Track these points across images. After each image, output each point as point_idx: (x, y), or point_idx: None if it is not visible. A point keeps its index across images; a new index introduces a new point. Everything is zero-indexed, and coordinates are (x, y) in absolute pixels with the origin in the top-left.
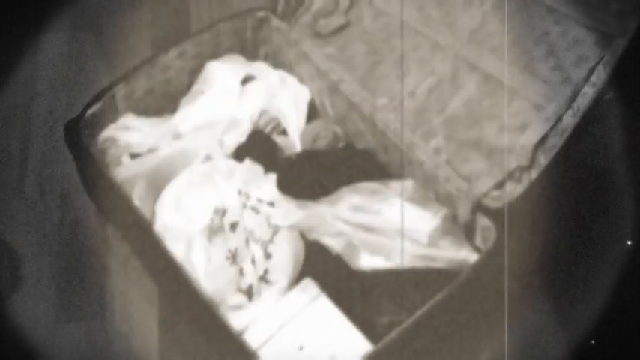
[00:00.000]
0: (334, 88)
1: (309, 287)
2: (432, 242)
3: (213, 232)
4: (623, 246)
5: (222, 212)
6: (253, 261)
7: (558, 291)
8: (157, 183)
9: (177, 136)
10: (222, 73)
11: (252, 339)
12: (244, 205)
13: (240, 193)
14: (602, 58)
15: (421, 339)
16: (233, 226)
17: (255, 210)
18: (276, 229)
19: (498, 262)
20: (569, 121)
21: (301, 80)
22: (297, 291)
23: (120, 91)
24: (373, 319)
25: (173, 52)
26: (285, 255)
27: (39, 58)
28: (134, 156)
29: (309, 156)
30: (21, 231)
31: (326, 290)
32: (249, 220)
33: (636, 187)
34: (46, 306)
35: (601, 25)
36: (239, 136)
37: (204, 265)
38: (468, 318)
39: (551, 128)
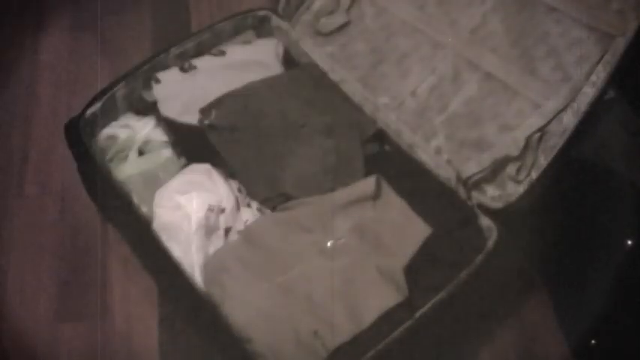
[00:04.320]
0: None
1: None
2: None
3: (209, 230)
4: (623, 246)
5: (218, 210)
6: None
7: (558, 291)
8: (157, 182)
9: None
10: None
11: None
12: (248, 205)
13: (241, 190)
14: (602, 58)
15: (422, 339)
16: (227, 231)
17: (262, 211)
18: None
19: (499, 262)
20: (570, 120)
21: None
22: None
23: (120, 91)
24: None
25: (173, 52)
26: None
27: (39, 58)
28: (139, 154)
29: None
30: (21, 231)
31: None
32: (251, 219)
33: (636, 187)
34: (46, 306)
35: (601, 25)
36: None
37: (202, 263)
38: (469, 318)
39: (547, 124)
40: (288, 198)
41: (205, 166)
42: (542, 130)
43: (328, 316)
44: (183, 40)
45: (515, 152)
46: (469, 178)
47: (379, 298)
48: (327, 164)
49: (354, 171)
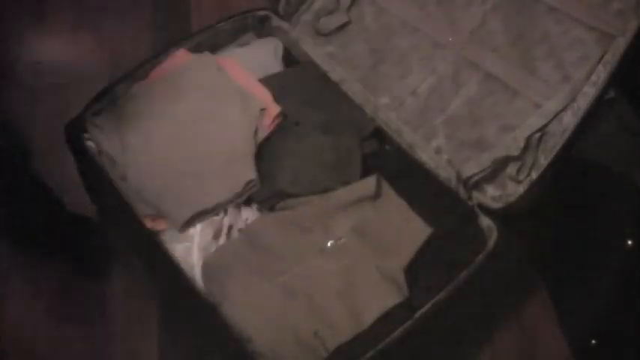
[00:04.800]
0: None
1: None
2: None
3: (215, 230)
4: (623, 246)
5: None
6: None
7: (558, 291)
8: None
9: None
10: None
11: None
12: (248, 204)
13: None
14: (602, 58)
15: (422, 339)
16: (229, 229)
17: (262, 209)
18: None
19: (499, 262)
20: (570, 120)
21: None
22: None
23: (120, 91)
24: None
25: (173, 52)
26: None
27: (39, 58)
28: None
29: None
30: None
31: None
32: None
33: (636, 187)
34: (46, 306)
35: (601, 25)
36: None
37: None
38: (469, 318)
39: (547, 124)
40: (287, 195)
41: None
42: (542, 130)
43: (328, 317)
44: (183, 40)
45: (515, 152)
46: (469, 178)
47: (379, 298)
48: (324, 161)
49: (352, 168)
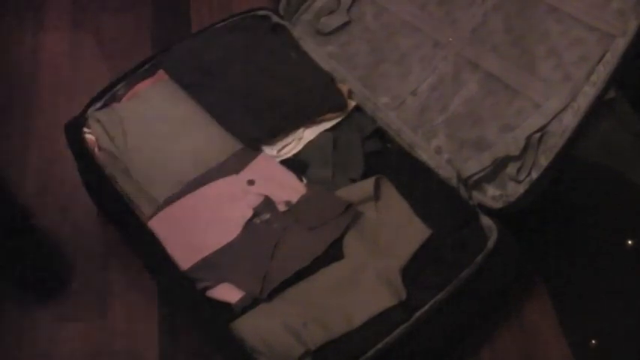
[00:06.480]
0: None
1: None
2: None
3: None
4: (623, 246)
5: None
6: None
7: (558, 291)
8: None
9: None
10: None
11: None
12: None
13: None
14: (602, 57)
15: (422, 338)
16: None
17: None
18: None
19: (499, 262)
20: (570, 120)
21: None
22: None
23: (120, 91)
24: None
25: None
26: None
27: (39, 58)
28: None
29: None
30: None
31: None
32: None
33: (636, 186)
34: (46, 305)
35: (601, 24)
36: None
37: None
38: (469, 317)
39: (547, 124)
40: None
41: None
42: (542, 129)
43: (318, 313)
44: (183, 40)
45: (515, 152)
46: (469, 177)
47: (373, 300)
48: (325, 160)
49: (354, 166)
